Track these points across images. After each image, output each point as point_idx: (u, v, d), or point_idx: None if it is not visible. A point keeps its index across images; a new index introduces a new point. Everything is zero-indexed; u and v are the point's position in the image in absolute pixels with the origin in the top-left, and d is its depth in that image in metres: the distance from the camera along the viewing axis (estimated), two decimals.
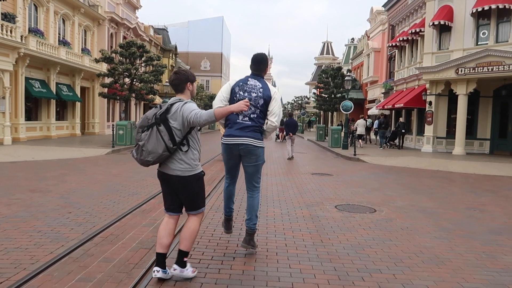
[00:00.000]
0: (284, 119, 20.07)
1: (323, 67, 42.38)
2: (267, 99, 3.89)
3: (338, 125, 26.23)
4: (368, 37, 35.68)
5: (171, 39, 49.15)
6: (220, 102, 4.01)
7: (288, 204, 6.91)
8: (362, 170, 12.26)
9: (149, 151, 3.19)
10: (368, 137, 25.63)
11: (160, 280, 3.41)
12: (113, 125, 17.61)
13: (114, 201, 6.64)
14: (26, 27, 19.22)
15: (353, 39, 46.76)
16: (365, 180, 10.11)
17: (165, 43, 44.57)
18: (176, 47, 47.12)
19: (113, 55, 21.52)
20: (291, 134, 15.08)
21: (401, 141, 21.83)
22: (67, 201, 6.53)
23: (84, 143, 19.10)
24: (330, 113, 35.80)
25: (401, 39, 23.41)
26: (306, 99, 65.17)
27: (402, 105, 21.22)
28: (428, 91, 19.82)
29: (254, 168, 4.02)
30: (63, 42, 22.20)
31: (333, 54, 59.30)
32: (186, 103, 3.30)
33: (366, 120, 24.33)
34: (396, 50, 26.06)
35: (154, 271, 3.37)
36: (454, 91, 18.71)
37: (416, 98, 20.88)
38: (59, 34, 22.36)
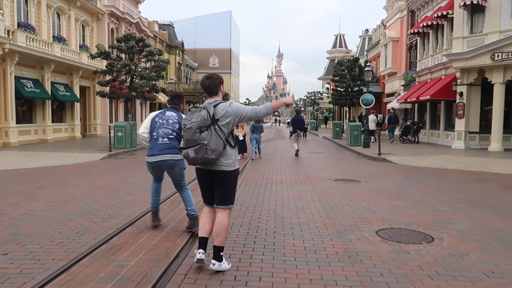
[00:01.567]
0: (291, 116, 19.20)
1: (336, 61, 40.26)
2: (180, 122, 4.63)
3: (351, 121, 24.31)
4: (385, 26, 33.45)
5: (178, 36, 47.34)
6: (144, 129, 4.94)
7: (312, 230, 5.12)
8: (393, 174, 10.40)
9: (213, 149, 3.45)
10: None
11: None
12: (109, 126, 15.97)
13: (77, 231, 4.94)
14: (15, 21, 17.59)
15: (367, 30, 44.53)
16: (401, 188, 8.26)
17: (171, 39, 42.77)
18: (182, 43, 45.33)
19: (111, 50, 19.88)
20: (298, 132, 15.19)
21: (416, 136, 20.96)
22: (14, 232, 4.86)
23: (82, 146, 17.54)
24: (347, 108, 33.80)
25: (424, 24, 21.27)
26: (319, 94, 63.17)
27: (428, 97, 19.16)
28: (458, 81, 17.74)
29: (178, 176, 4.91)
30: (58, 38, 20.60)
31: (346, 47, 56.85)
32: (231, 102, 3.70)
33: (377, 116, 22.41)
34: (418, 38, 23.91)
35: (199, 253, 3.64)
36: (489, 80, 16.63)
37: (443, 89, 18.81)
38: (53, 29, 20.77)
